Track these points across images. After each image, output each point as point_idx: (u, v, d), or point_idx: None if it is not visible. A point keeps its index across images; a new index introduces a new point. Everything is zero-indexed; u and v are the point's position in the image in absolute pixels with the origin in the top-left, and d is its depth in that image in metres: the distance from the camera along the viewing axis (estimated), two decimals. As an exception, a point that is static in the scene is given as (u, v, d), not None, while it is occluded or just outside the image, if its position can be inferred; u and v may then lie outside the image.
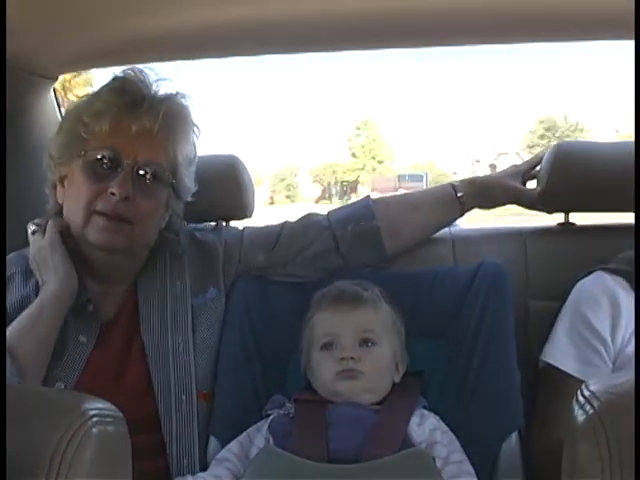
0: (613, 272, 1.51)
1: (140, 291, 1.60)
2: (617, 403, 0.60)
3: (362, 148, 27.87)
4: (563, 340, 1.51)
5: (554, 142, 1.95)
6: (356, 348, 1.46)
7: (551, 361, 1.52)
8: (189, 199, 1.65)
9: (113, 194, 1.48)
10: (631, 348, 1.44)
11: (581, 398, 0.63)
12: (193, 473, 1.46)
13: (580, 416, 0.61)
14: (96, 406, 0.67)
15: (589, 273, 1.55)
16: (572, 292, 1.54)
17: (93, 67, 2.10)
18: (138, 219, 1.52)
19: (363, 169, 27.03)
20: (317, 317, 1.53)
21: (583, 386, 0.64)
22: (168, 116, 1.54)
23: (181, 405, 1.52)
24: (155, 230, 1.60)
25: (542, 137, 30.26)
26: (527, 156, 2.10)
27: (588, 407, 0.61)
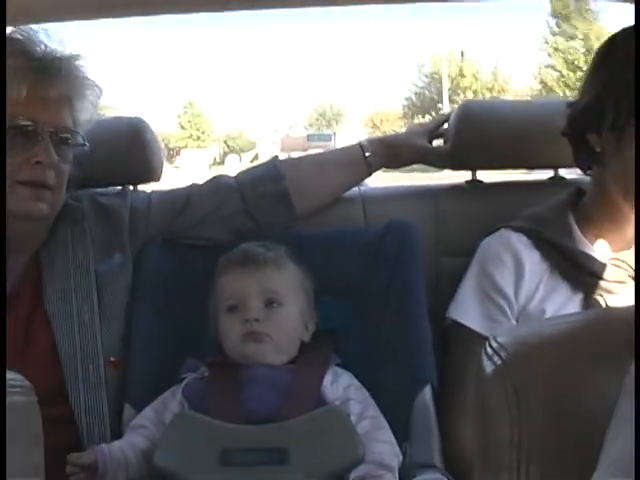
0: (517, 230, 1.54)
1: (43, 260, 1.56)
2: (523, 353, 0.62)
3: (188, 122, 33.93)
4: (468, 297, 1.54)
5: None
6: (261, 309, 1.46)
7: (456, 318, 1.54)
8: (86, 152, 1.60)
9: (38, 163, 1.44)
10: (533, 305, 1.48)
11: (489, 349, 0.64)
12: (105, 442, 1.43)
13: (489, 367, 0.63)
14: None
15: (494, 231, 1.57)
16: (477, 250, 1.57)
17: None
18: (58, 185, 1.49)
19: (190, 137, 33.33)
20: (222, 280, 1.52)
21: (491, 338, 0.66)
22: (75, 79, 1.51)
23: (88, 374, 1.49)
24: (65, 195, 1.56)
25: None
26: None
27: (496, 358, 0.63)
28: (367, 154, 1.76)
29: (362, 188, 1.88)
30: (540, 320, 0.68)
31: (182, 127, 33.67)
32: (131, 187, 1.81)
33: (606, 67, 1.41)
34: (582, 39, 23.41)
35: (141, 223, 1.65)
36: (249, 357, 1.44)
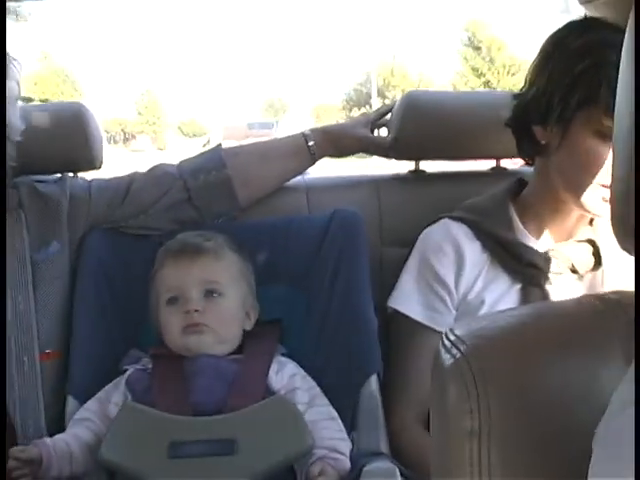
0: (457, 220, 1.55)
1: None
2: (482, 345, 0.63)
3: (145, 109, 34.99)
4: (409, 287, 1.55)
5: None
6: (201, 300, 1.45)
7: (397, 307, 1.55)
8: (18, 139, 1.55)
9: None
10: (473, 295, 1.50)
11: (446, 342, 0.65)
12: (40, 435, 1.42)
13: (447, 360, 0.64)
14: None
15: (435, 221, 1.58)
16: (419, 240, 1.58)
17: None
18: None
19: (146, 123, 34.16)
20: (160, 272, 1.50)
21: (448, 330, 0.66)
22: None
23: (23, 366, 1.47)
24: None
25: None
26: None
27: (455, 350, 0.63)
28: (310, 143, 1.76)
29: (306, 177, 1.89)
30: (494, 313, 0.69)
31: (139, 113, 34.60)
32: (71, 174, 1.77)
33: (553, 60, 1.42)
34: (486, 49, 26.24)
35: (81, 211, 1.62)
36: (191, 349, 1.43)
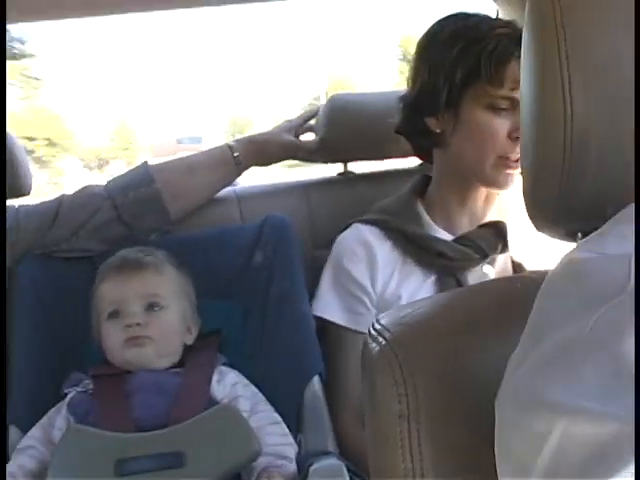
0: (368, 223, 1.58)
1: None
2: (406, 332, 0.65)
3: (117, 134, 34.38)
4: (328, 293, 1.57)
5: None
6: (142, 314, 1.45)
7: (321, 314, 1.57)
8: None
9: None
10: (389, 292, 1.52)
11: (373, 332, 0.67)
12: None
13: (374, 349, 0.65)
14: None
15: (347, 227, 1.61)
16: (333, 246, 1.61)
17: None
18: None
19: (119, 148, 33.38)
20: (102, 287, 1.50)
21: (374, 320, 0.68)
22: None
23: None
24: None
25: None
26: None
27: (380, 339, 0.65)
28: (235, 154, 1.78)
29: (236, 188, 1.90)
30: (417, 301, 0.72)
31: (112, 139, 34.54)
32: (-3, 203, 1.75)
33: (429, 52, 1.48)
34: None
35: (10, 238, 1.59)
36: (132, 362, 1.43)
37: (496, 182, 1.46)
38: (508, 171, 1.43)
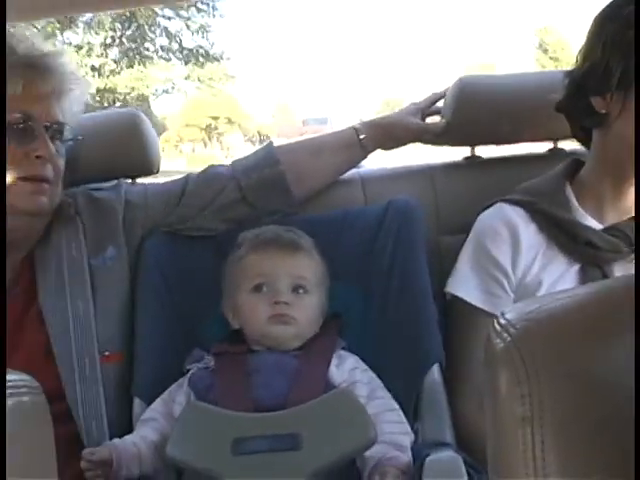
0: (513, 203, 1.54)
1: (37, 257, 1.57)
2: (532, 329, 0.62)
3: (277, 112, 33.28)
4: (466, 272, 1.54)
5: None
6: (289, 293, 1.46)
7: (455, 292, 1.55)
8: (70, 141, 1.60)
9: (38, 157, 1.47)
10: (530, 277, 1.48)
11: (497, 326, 0.64)
12: (103, 436, 1.45)
13: (498, 344, 0.63)
14: (10, 377, 0.65)
15: (490, 205, 1.57)
16: (474, 225, 1.57)
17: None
18: (56, 179, 1.52)
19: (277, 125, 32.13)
20: (250, 258, 1.51)
21: (499, 314, 0.65)
22: (62, 74, 1.52)
23: (84, 369, 1.49)
24: (61, 189, 1.57)
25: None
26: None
27: (505, 335, 0.62)
28: (361, 137, 1.76)
29: (361, 170, 1.88)
30: (545, 295, 0.68)
31: (273, 116, 34.54)
32: (129, 180, 1.80)
33: (606, 30, 1.41)
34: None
35: (138, 216, 1.65)
36: (273, 338, 1.44)
37: None
38: None
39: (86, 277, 1.56)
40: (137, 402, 1.50)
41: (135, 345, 1.56)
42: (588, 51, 1.45)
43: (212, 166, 1.74)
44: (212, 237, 1.65)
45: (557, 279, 1.47)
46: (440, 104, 1.85)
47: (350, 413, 1.30)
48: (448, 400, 1.47)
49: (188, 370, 1.46)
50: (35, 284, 1.54)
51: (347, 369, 1.42)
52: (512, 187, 1.60)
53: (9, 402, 0.63)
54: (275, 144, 1.79)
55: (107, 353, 1.54)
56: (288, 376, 1.38)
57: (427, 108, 1.85)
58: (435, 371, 1.47)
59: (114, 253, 1.60)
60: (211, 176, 1.70)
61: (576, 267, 1.47)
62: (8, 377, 0.65)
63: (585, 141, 1.55)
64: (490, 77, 1.88)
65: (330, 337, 1.50)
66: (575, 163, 1.57)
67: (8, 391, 0.63)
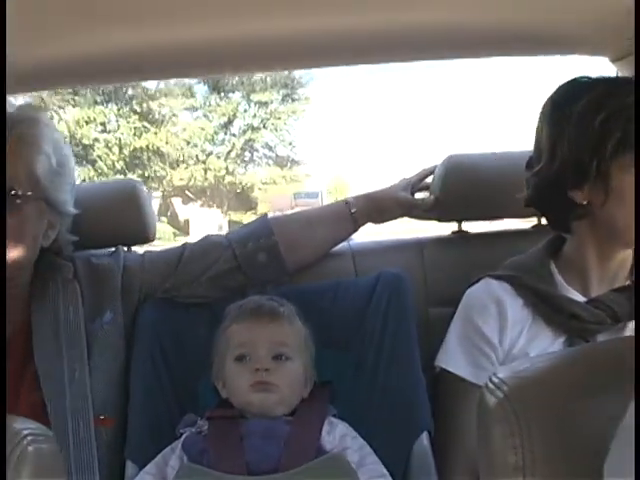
0: (499, 278, 1.58)
1: (34, 319, 1.59)
2: (523, 386, 0.66)
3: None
4: (455, 346, 1.57)
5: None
6: (270, 361, 1.49)
7: (445, 366, 1.57)
8: (72, 211, 1.64)
9: None
10: (517, 348, 1.51)
11: (490, 385, 0.68)
12: None
13: (491, 400, 0.67)
14: (28, 426, 0.68)
15: (477, 280, 1.61)
16: (462, 300, 1.60)
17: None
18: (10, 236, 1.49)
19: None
20: (233, 328, 1.54)
21: (492, 374, 0.70)
22: (19, 135, 1.54)
23: (79, 431, 1.50)
24: (31, 247, 1.57)
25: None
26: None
27: (498, 392, 0.67)
28: (353, 210, 1.81)
29: (351, 242, 1.93)
30: (535, 356, 0.72)
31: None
32: (125, 248, 1.84)
33: (567, 125, 1.45)
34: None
35: (134, 282, 1.68)
36: (255, 406, 1.46)
37: None
38: None
39: (82, 341, 1.58)
40: (130, 465, 1.51)
41: (129, 409, 1.58)
42: (553, 148, 1.48)
43: (208, 235, 1.79)
44: (207, 305, 1.69)
45: (543, 350, 1.49)
46: (430, 180, 1.91)
47: (342, 478, 1.32)
48: (437, 468, 1.49)
49: (181, 434, 1.48)
50: (31, 344, 1.56)
51: (338, 436, 1.45)
52: (498, 261, 1.64)
53: (30, 449, 0.66)
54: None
55: (102, 417, 1.55)
56: (280, 441, 1.40)
57: (417, 183, 1.91)
58: (424, 439, 1.50)
59: (111, 318, 1.63)
60: (207, 245, 1.74)
61: (561, 339, 1.50)
62: (26, 425, 0.68)
63: (564, 228, 1.57)
64: (477, 155, 1.93)
65: (321, 404, 1.52)
66: (558, 239, 1.61)
67: (29, 438, 0.66)
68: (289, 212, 2.06)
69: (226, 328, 1.56)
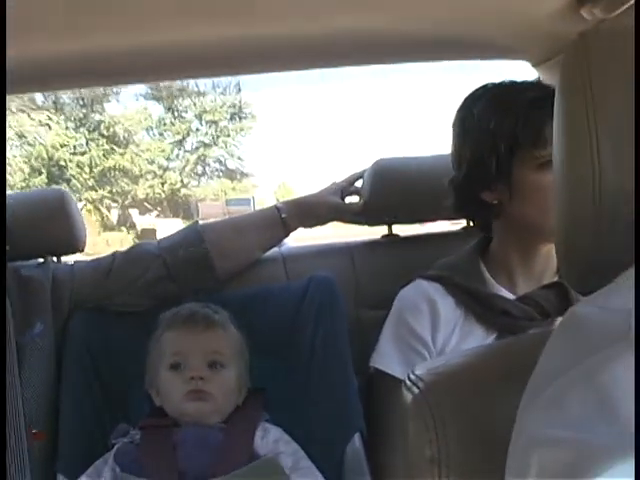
0: (430, 279, 1.60)
1: None
2: (437, 381, 0.68)
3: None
4: (388, 346, 1.59)
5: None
6: (205, 369, 1.49)
7: (379, 366, 1.59)
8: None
9: None
10: (450, 347, 1.53)
11: (408, 382, 0.70)
12: None
13: (408, 397, 0.69)
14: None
15: (409, 282, 1.64)
16: (395, 300, 1.63)
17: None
18: None
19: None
20: (167, 336, 1.54)
21: (410, 371, 0.72)
22: None
23: (10, 446, 1.47)
24: None
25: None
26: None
27: (414, 389, 0.69)
28: (283, 215, 1.82)
29: (282, 248, 1.93)
30: (452, 353, 0.75)
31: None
32: (54, 258, 1.82)
33: (468, 129, 1.52)
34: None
35: (64, 292, 1.66)
36: (189, 415, 1.46)
37: None
38: None
39: (13, 355, 1.55)
40: (61, 479, 1.49)
41: (60, 422, 1.56)
42: (460, 155, 1.54)
43: (139, 244, 1.78)
44: (139, 314, 1.68)
45: None
46: (359, 184, 1.93)
47: (276, 480, 1.33)
48: (371, 469, 1.51)
49: (113, 445, 1.47)
50: None
51: (271, 441, 1.46)
52: (428, 263, 1.66)
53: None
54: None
55: (34, 431, 1.53)
56: (213, 448, 1.41)
57: (347, 188, 1.92)
58: (357, 440, 1.52)
59: (41, 330, 1.61)
60: (138, 253, 1.73)
61: (493, 336, 1.53)
62: None
63: (486, 229, 1.63)
64: (406, 159, 1.95)
65: (254, 410, 1.53)
66: (485, 239, 1.65)
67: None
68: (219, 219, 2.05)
69: (160, 336, 1.55)
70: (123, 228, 14.87)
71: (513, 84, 1.53)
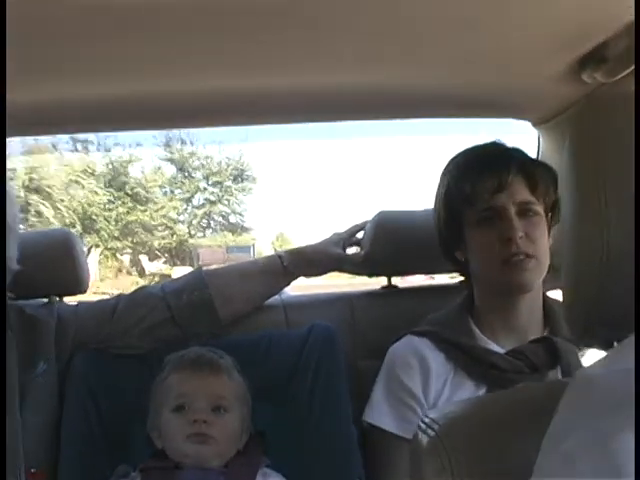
0: (420, 334, 1.63)
1: None
2: (452, 424, 0.71)
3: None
4: (381, 401, 1.61)
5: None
6: (209, 413, 1.49)
7: (371, 421, 1.61)
8: (15, 268, 1.62)
9: None
10: (442, 400, 1.55)
11: (422, 425, 0.73)
12: None
13: (424, 439, 0.71)
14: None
15: (400, 338, 1.66)
16: (386, 356, 1.65)
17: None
18: None
19: None
20: (172, 378, 1.55)
21: (423, 415, 0.75)
22: None
23: None
24: None
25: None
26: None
27: (430, 431, 0.71)
28: (285, 264, 1.84)
29: (283, 296, 1.96)
30: (460, 401, 0.78)
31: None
32: (57, 298, 1.84)
33: (440, 191, 1.65)
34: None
35: (68, 332, 1.67)
36: (191, 457, 1.46)
37: (512, 286, 1.54)
38: (515, 271, 1.51)
39: (15, 393, 1.55)
40: None
41: (59, 462, 1.56)
42: (437, 215, 1.67)
43: (143, 287, 1.80)
44: (142, 356, 1.69)
45: None
46: (361, 235, 1.96)
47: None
48: None
49: (113, 486, 1.47)
50: None
51: None
52: (426, 315, 1.70)
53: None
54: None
55: (33, 470, 1.53)
56: None
57: (348, 239, 1.95)
58: None
59: (44, 369, 1.61)
60: (142, 296, 1.75)
61: (483, 389, 1.55)
62: None
63: (468, 284, 1.71)
64: (407, 212, 1.98)
65: (255, 455, 1.54)
66: (471, 294, 1.69)
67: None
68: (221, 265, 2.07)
69: (165, 378, 1.56)
70: (134, 272, 16.36)
71: (480, 146, 1.63)
